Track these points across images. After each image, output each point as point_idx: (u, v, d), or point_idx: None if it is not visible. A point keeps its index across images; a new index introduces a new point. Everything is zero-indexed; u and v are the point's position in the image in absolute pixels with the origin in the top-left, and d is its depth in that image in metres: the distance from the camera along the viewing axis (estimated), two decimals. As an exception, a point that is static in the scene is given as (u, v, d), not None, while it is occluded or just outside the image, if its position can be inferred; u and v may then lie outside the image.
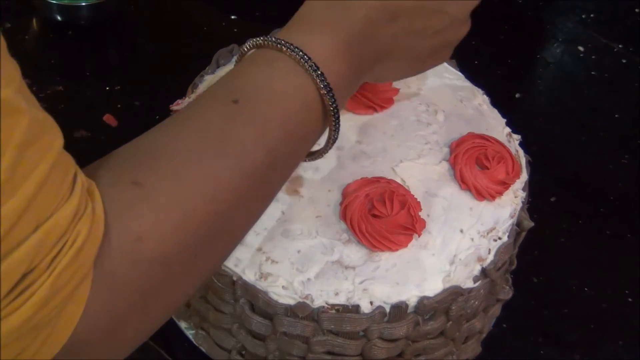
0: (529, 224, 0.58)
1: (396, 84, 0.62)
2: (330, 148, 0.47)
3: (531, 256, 0.68)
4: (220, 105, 0.41)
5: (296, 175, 0.56)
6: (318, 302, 0.50)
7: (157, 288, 0.37)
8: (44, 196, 0.30)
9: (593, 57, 0.91)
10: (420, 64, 0.51)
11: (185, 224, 0.37)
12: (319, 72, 0.42)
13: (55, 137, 0.32)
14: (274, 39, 0.43)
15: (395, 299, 0.51)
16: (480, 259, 0.54)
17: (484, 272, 0.54)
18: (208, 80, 0.63)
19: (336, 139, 0.45)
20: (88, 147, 0.73)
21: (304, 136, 0.43)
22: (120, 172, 0.37)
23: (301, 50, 0.42)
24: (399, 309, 0.51)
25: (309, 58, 0.42)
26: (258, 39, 0.43)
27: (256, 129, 0.40)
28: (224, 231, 0.40)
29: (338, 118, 0.44)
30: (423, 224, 0.54)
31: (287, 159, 0.43)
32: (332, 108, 0.43)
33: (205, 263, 0.41)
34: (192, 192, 0.37)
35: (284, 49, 0.42)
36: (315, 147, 0.47)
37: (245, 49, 0.45)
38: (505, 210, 0.56)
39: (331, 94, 0.42)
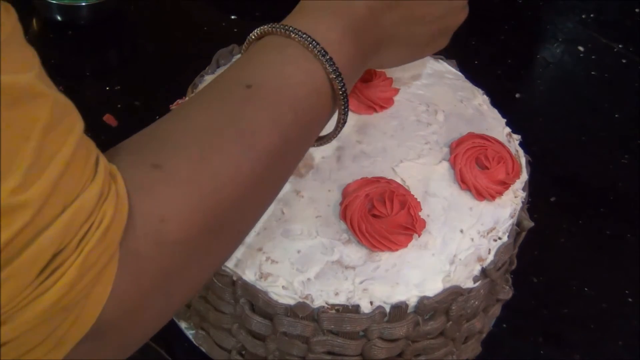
0: (529, 224, 0.58)
1: (396, 84, 0.62)
2: (339, 132, 0.48)
3: (531, 256, 0.68)
4: (234, 91, 0.42)
5: (296, 175, 0.56)
6: (318, 302, 0.50)
7: (179, 268, 0.37)
8: (69, 178, 0.31)
9: (593, 57, 0.91)
10: (419, 50, 0.53)
11: (206, 204, 0.38)
12: (328, 57, 0.43)
13: (76, 120, 0.32)
14: (282, 25, 0.44)
15: (395, 299, 0.51)
16: (480, 259, 0.54)
17: (484, 272, 0.54)
18: (208, 80, 0.63)
19: (345, 121, 0.47)
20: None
21: (314, 119, 0.44)
22: (140, 155, 0.37)
23: (309, 36, 0.43)
24: (399, 309, 0.51)
25: (318, 43, 0.43)
26: (265, 26, 0.45)
27: (270, 113, 0.41)
28: (243, 212, 0.41)
29: (347, 101, 0.45)
30: (423, 224, 0.54)
31: (299, 141, 0.44)
32: (341, 92, 0.44)
33: (226, 243, 0.42)
34: (211, 174, 0.38)
35: (293, 35, 0.43)
36: (323, 132, 0.48)
37: (253, 37, 0.46)
38: (505, 210, 0.56)
39: (340, 78, 0.44)
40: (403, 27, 0.49)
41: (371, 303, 0.51)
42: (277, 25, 0.44)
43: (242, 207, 0.40)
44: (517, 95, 0.86)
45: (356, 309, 0.50)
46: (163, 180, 0.37)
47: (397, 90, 0.61)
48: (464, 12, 0.53)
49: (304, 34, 0.43)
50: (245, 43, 0.47)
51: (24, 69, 0.30)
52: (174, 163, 0.37)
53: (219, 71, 0.63)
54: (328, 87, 0.44)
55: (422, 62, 0.65)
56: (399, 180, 0.56)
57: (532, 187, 0.59)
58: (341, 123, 0.47)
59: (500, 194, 0.56)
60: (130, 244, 0.34)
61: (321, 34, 0.43)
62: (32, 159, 0.29)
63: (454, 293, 0.52)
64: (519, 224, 0.57)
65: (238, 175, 0.39)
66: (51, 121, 0.30)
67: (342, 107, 0.45)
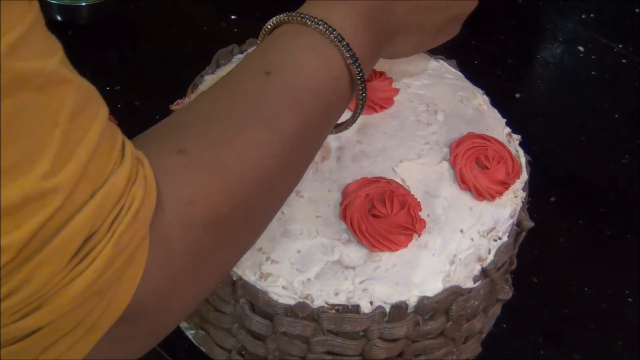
0: (529, 224, 0.58)
1: (396, 85, 0.62)
2: (357, 117, 0.49)
3: (531, 256, 0.68)
4: (253, 77, 0.42)
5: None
6: (318, 302, 0.50)
7: (209, 251, 0.38)
8: (97, 162, 0.31)
9: (593, 57, 0.91)
10: (431, 39, 0.54)
11: (232, 187, 0.38)
12: (345, 43, 0.44)
13: (100, 105, 0.33)
14: (298, 14, 0.44)
15: (395, 299, 0.51)
16: (480, 259, 0.54)
17: (484, 272, 0.54)
18: (208, 80, 0.63)
19: (363, 107, 0.47)
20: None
21: (334, 104, 0.45)
22: (164, 142, 0.38)
23: (325, 23, 0.44)
24: (399, 309, 0.51)
25: (334, 29, 0.43)
26: (281, 15, 0.45)
27: (290, 98, 0.42)
28: (268, 196, 0.41)
29: (364, 87, 0.46)
30: (423, 224, 0.54)
31: (320, 126, 0.44)
32: (358, 77, 0.45)
33: (253, 226, 0.42)
34: (235, 157, 0.39)
35: (309, 22, 0.44)
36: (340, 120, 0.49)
37: (269, 27, 0.46)
38: (505, 210, 0.56)
39: (357, 63, 0.44)
40: (415, 16, 0.50)
41: (371, 303, 0.51)
42: (293, 14, 0.45)
43: (268, 190, 0.41)
44: (517, 95, 0.86)
45: (356, 309, 0.50)
46: (189, 164, 0.37)
47: (397, 90, 0.61)
48: (474, 1, 0.54)
49: (320, 20, 0.44)
50: (261, 33, 0.47)
51: (49, 54, 0.30)
52: (199, 148, 0.38)
53: (219, 71, 0.63)
54: (346, 72, 0.44)
55: (423, 61, 0.65)
56: (399, 180, 0.56)
57: (532, 187, 0.59)
58: (359, 109, 0.47)
59: (500, 194, 0.56)
60: (160, 227, 0.34)
61: (337, 21, 0.44)
62: (60, 144, 0.29)
63: (454, 293, 0.52)
64: (519, 224, 0.57)
65: (262, 159, 0.40)
66: (77, 106, 0.30)
67: (360, 93, 0.46)
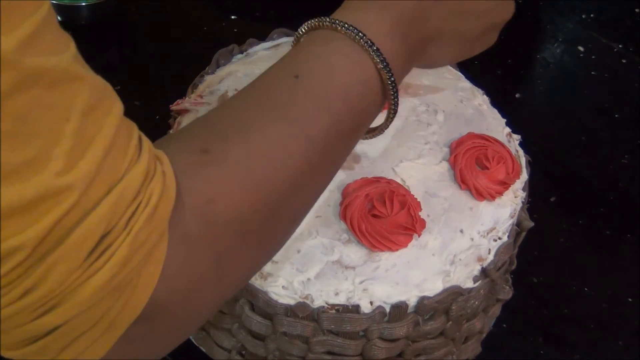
0: (529, 224, 0.58)
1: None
2: (390, 122, 0.48)
3: (531, 256, 0.68)
4: (282, 80, 0.42)
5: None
6: (318, 302, 0.50)
7: (230, 250, 0.37)
8: (113, 159, 0.31)
9: (593, 57, 0.91)
10: (468, 47, 0.53)
11: (255, 187, 0.38)
12: (375, 48, 0.43)
13: (114, 101, 0.32)
14: (328, 19, 0.44)
15: (395, 299, 0.51)
16: (480, 259, 0.54)
17: (484, 272, 0.54)
18: (208, 80, 0.63)
19: (396, 112, 0.47)
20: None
21: (364, 109, 0.44)
22: (189, 142, 0.38)
23: (356, 28, 0.43)
24: (399, 309, 0.51)
25: (364, 35, 0.43)
26: (313, 20, 0.45)
27: (319, 101, 0.41)
28: (294, 198, 0.41)
29: (397, 92, 0.45)
30: (423, 224, 0.54)
31: (350, 131, 0.44)
32: (390, 82, 0.44)
33: (279, 228, 0.42)
34: (260, 157, 0.38)
35: (339, 27, 0.43)
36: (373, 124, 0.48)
37: (301, 32, 0.46)
38: (505, 210, 0.56)
39: (388, 68, 0.44)
40: (451, 23, 0.49)
41: (371, 303, 0.51)
42: (324, 19, 0.44)
43: (295, 193, 0.40)
44: (517, 95, 0.86)
45: (356, 309, 0.50)
46: (211, 163, 0.37)
47: (397, 90, 0.61)
48: (511, 8, 0.52)
49: (350, 25, 0.43)
50: (294, 39, 0.47)
51: (61, 50, 0.30)
52: (223, 148, 0.37)
53: (219, 71, 0.63)
54: (377, 78, 0.44)
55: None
56: (399, 180, 0.56)
57: (532, 187, 0.59)
58: (392, 114, 0.47)
59: (500, 194, 0.56)
60: (179, 224, 0.34)
61: (368, 27, 0.44)
62: (74, 140, 0.29)
63: (454, 293, 0.52)
64: (519, 224, 0.57)
65: (290, 159, 0.39)
66: (90, 102, 0.30)
67: (392, 98, 0.46)
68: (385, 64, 0.43)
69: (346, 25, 0.43)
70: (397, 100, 0.46)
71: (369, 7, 0.45)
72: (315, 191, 0.44)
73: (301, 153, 0.40)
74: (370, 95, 0.44)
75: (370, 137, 0.49)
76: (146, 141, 0.34)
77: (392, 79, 0.44)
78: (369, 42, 0.43)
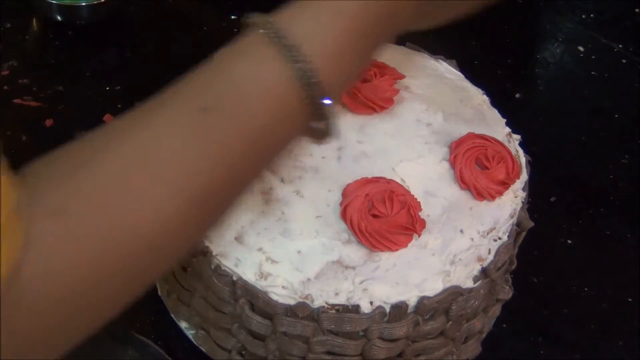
0: (529, 224, 0.58)
1: (396, 85, 0.62)
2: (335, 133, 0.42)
3: (531, 256, 0.67)
4: (185, 115, 0.38)
5: (296, 175, 0.56)
6: (318, 302, 0.50)
7: (65, 320, 0.35)
8: None
9: (593, 57, 0.91)
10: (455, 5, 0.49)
11: (107, 257, 0.34)
12: (299, 64, 0.38)
13: None
14: (266, 23, 0.41)
15: (395, 299, 0.51)
16: (480, 259, 0.54)
17: (484, 272, 0.54)
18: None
19: (334, 133, 0.41)
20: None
21: (274, 144, 0.40)
22: (45, 190, 0.34)
23: (288, 40, 0.39)
24: (399, 309, 0.51)
25: (292, 46, 0.38)
26: (251, 17, 0.41)
27: (217, 147, 0.37)
28: (155, 258, 0.37)
29: (327, 109, 0.39)
30: (423, 224, 0.54)
31: (247, 174, 0.40)
32: (315, 110, 0.39)
33: (133, 289, 0.38)
34: (123, 223, 0.34)
35: (268, 37, 0.40)
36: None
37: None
38: (505, 210, 0.56)
39: (316, 89, 0.38)
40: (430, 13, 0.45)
41: (371, 303, 0.51)
42: (259, 19, 0.40)
43: (156, 254, 0.36)
44: (517, 95, 0.86)
45: (356, 309, 0.50)
46: (62, 228, 0.33)
47: (397, 91, 0.61)
48: None
49: (283, 36, 0.39)
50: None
51: None
52: (80, 209, 0.33)
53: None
54: (296, 96, 0.38)
55: (422, 61, 0.65)
56: (399, 180, 0.56)
57: (532, 187, 0.59)
58: (329, 133, 0.41)
59: (500, 194, 0.56)
60: (11, 294, 0.31)
61: (309, 30, 0.39)
62: None
63: (454, 293, 0.52)
64: (519, 224, 0.57)
65: (156, 225, 0.35)
66: None
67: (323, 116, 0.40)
68: (310, 80, 0.38)
69: (275, 33, 0.39)
70: (330, 117, 0.40)
71: (324, 7, 0.40)
72: (183, 245, 0.39)
73: (174, 214, 0.36)
74: (288, 120, 0.39)
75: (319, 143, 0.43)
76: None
77: (319, 107, 0.39)
78: (295, 56, 0.38)
